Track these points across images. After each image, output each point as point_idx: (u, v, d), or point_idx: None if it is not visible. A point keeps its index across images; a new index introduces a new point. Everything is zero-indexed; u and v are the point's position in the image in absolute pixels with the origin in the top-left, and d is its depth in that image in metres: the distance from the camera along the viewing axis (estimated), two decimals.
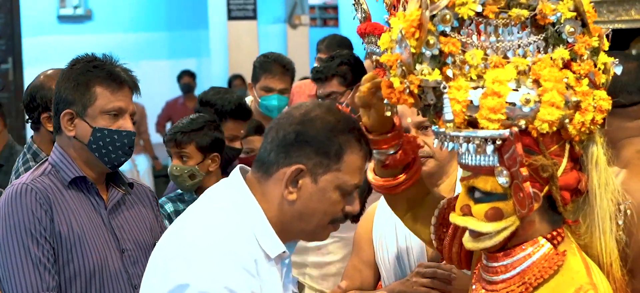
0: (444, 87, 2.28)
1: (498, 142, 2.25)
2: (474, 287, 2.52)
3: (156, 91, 10.87)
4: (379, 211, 3.29)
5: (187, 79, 11.48)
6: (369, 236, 3.29)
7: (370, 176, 2.70)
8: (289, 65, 5.71)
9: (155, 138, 11.17)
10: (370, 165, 2.69)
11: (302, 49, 11.78)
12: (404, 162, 2.62)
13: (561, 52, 2.33)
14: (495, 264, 2.41)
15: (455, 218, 2.43)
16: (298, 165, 2.34)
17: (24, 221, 2.87)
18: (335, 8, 13.34)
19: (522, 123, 2.27)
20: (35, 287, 2.84)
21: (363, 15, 3.64)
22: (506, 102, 2.26)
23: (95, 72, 3.02)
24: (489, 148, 2.27)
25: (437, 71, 2.30)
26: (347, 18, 13.54)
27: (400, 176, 2.65)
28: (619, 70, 2.42)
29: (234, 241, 2.29)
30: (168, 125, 11.40)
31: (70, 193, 3.00)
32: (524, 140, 2.28)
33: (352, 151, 2.37)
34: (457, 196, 2.60)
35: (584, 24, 2.38)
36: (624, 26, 6.57)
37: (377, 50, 3.54)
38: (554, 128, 2.28)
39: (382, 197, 3.20)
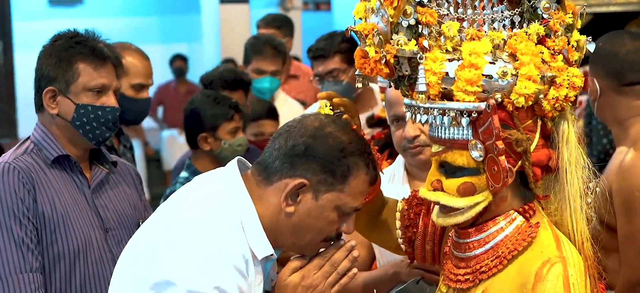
0: (421, 58, 2.25)
1: (474, 115, 2.24)
2: (444, 266, 2.48)
3: None
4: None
5: (179, 63, 11.43)
6: None
7: None
8: (281, 47, 5.68)
9: (147, 122, 11.10)
10: None
11: (294, 33, 11.71)
12: None
13: (536, 28, 2.33)
14: (468, 240, 2.38)
15: (425, 193, 2.38)
16: (302, 179, 2.29)
17: (7, 201, 2.81)
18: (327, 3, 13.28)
19: (498, 96, 2.25)
20: (19, 267, 2.79)
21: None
22: (483, 74, 2.24)
23: (78, 48, 2.95)
24: (464, 121, 2.25)
25: (413, 41, 2.27)
26: (339, 2, 13.48)
27: None
28: (591, 48, 2.40)
29: (225, 239, 2.24)
30: (160, 109, 11.35)
31: (53, 172, 2.94)
32: (499, 114, 2.25)
33: (358, 175, 2.33)
34: (414, 194, 2.61)
35: (559, 1, 2.37)
36: (619, 9, 6.54)
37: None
38: (530, 102, 2.27)
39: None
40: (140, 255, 2.30)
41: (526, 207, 2.35)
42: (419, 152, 3.00)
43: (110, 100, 2.98)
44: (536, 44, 2.31)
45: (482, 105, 2.22)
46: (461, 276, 2.38)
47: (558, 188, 2.39)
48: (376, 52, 2.25)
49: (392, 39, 2.26)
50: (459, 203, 2.31)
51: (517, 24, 2.37)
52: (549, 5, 2.34)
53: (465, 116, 2.24)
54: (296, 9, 11.85)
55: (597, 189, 2.43)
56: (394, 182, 3.18)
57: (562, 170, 2.37)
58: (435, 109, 2.26)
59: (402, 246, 2.67)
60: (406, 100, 2.34)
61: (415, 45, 2.27)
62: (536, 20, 2.35)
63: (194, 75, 10.76)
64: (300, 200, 2.30)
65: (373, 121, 4.08)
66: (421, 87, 2.23)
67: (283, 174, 2.30)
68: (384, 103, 3.98)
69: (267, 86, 5.45)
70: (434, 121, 2.28)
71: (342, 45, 4.88)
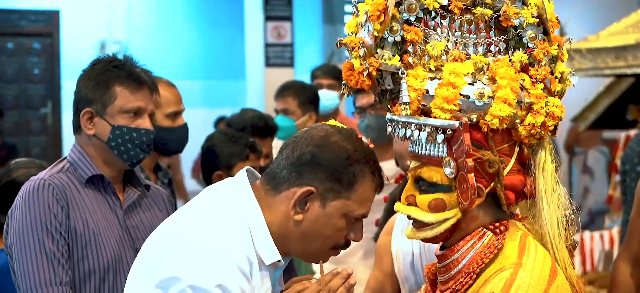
0: (403, 73, 2.33)
1: (449, 132, 2.30)
2: None
3: (191, 137, 10.91)
4: (398, 222, 3.30)
5: (223, 126, 11.54)
6: (388, 247, 3.31)
7: None
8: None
9: (190, 184, 11.19)
10: None
11: None
12: None
13: (520, 55, 2.41)
14: (445, 262, 2.42)
15: (400, 207, 2.44)
16: (309, 187, 2.34)
17: (40, 216, 2.89)
18: None
19: (474, 116, 2.32)
20: (49, 280, 2.85)
21: None
22: (460, 94, 2.31)
23: (116, 72, 3.05)
24: (440, 137, 2.31)
25: (397, 57, 2.36)
26: None
27: None
28: (574, 80, 2.46)
29: (231, 241, 2.28)
30: None
31: (87, 191, 3.02)
32: (474, 134, 2.32)
33: (365, 181, 2.37)
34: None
35: (546, 32, 2.44)
36: None
37: None
38: (504, 125, 2.33)
39: None
40: (150, 257, 2.35)
41: (497, 224, 2.39)
42: None
43: (145, 123, 3.06)
44: (519, 72, 2.38)
45: (456, 123, 2.29)
46: None
47: (536, 215, 2.44)
48: (360, 64, 2.34)
49: (376, 53, 2.34)
50: (429, 218, 2.36)
51: (502, 50, 2.43)
52: (534, 36, 2.41)
53: (440, 132, 2.31)
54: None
55: (572, 216, 2.46)
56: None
57: (539, 198, 2.41)
58: (413, 124, 2.33)
59: None
60: (388, 115, 2.41)
61: (399, 61, 2.35)
62: (521, 49, 2.41)
63: None
64: (308, 207, 2.35)
65: None
66: (405, 98, 2.32)
67: (291, 183, 2.35)
68: None
69: None
70: (411, 136, 2.34)
71: None
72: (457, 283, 2.36)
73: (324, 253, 2.42)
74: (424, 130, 2.31)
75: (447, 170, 2.32)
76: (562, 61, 2.45)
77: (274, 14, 11.80)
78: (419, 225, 2.39)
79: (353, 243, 4.76)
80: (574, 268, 2.43)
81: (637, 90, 7.47)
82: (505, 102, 2.30)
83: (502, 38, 2.43)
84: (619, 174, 6.49)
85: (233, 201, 2.37)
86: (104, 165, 3.06)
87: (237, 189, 2.40)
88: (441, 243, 2.44)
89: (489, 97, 2.31)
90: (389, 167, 4.92)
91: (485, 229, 2.38)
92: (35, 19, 11.96)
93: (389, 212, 3.79)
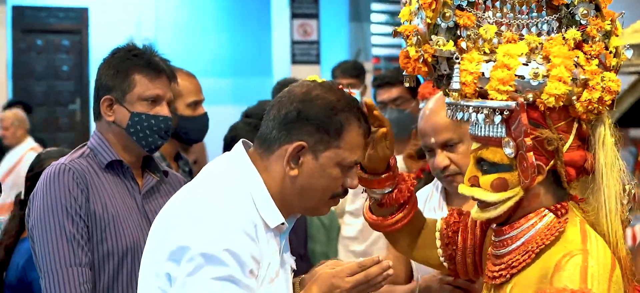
0: (457, 58, 2.37)
1: (506, 113, 2.34)
2: (486, 268, 2.56)
3: (219, 134, 10.96)
4: None
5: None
6: None
7: (367, 214, 2.78)
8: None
9: None
10: (366, 203, 2.78)
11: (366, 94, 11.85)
12: (399, 200, 2.71)
13: (573, 33, 2.41)
14: (503, 237, 2.46)
15: (463, 188, 2.48)
16: (300, 142, 2.40)
17: (61, 199, 2.96)
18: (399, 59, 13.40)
19: (530, 96, 2.34)
20: (69, 261, 2.92)
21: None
22: (515, 75, 2.34)
23: (135, 61, 3.12)
24: (497, 119, 2.35)
25: (451, 42, 2.39)
26: None
27: (397, 214, 2.74)
28: (629, 54, 2.46)
29: (234, 206, 2.34)
30: None
31: (107, 176, 3.09)
32: (531, 113, 2.35)
33: (351, 129, 2.43)
34: (451, 212, 2.74)
35: (598, 8, 2.45)
36: None
37: None
38: (560, 103, 2.35)
39: (418, 193, 3.25)
40: (158, 233, 2.42)
41: (558, 205, 2.43)
42: (452, 180, 3.09)
43: (163, 110, 3.13)
44: (573, 49, 2.39)
45: (513, 104, 2.32)
46: (496, 273, 2.46)
47: (595, 190, 2.46)
48: (416, 51, 2.37)
49: (431, 40, 2.38)
50: (492, 197, 2.40)
51: (555, 29, 2.45)
52: (586, 12, 2.43)
53: (497, 114, 2.35)
54: (367, 72, 11.99)
55: (633, 191, 2.49)
56: (430, 202, 3.27)
57: (598, 172, 2.43)
58: (471, 107, 2.37)
59: (445, 264, 2.77)
60: (447, 99, 2.45)
61: (454, 46, 2.38)
62: (574, 26, 2.43)
63: None
64: (301, 162, 2.41)
65: (422, 152, 4.15)
66: (455, 85, 2.36)
67: (281, 141, 2.41)
68: None
69: None
70: (469, 119, 2.39)
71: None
72: (514, 259, 2.42)
73: (324, 205, 2.49)
74: (482, 112, 2.36)
75: (508, 150, 2.36)
76: (616, 36, 2.46)
77: (301, 11, 11.89)
78: (483, 205, 2.44)
79: (375, 234, 4.84)
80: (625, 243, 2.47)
81: None
82: (560, 81, 2.32)
83: (554, 17, 2.46)
84: None
85: (233, 171, 2.43)
86: (123, 151, 3.12)
87: (235, 159, 2.47)
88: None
89: (544, 76, 2.33)
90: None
91: (546, 210, 2.43)
92: (64, 16, 12.09)
93: None
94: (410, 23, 2.42)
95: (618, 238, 2.43)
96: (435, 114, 3.05)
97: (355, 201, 5.08)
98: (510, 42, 2.40)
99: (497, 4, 2.44)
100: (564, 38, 2.42)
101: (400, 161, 4.97)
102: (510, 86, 2.33)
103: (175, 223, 2.36)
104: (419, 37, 2.36)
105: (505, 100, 2.33)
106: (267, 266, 2.39)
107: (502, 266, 2.44)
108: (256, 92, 12.95)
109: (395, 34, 2.45)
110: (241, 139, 2.53)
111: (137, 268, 3.00)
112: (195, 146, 5.41)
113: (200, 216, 2.32)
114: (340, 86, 2.48)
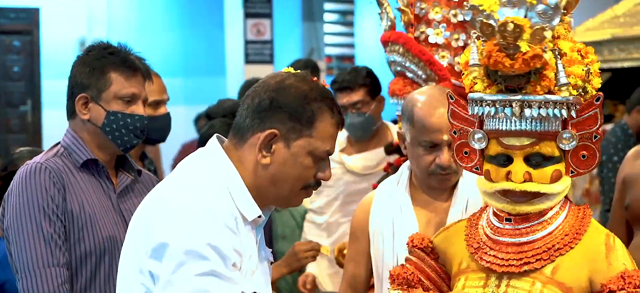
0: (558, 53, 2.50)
1: (576, 106, 2.50)
2: (486, 257, 2.65)
3: (172, 134, 10.91)
4: (376, 201, 3.32)
5: (203, 123, 11.57)
6: (366, 226, 3.31)
7: None
8: None
9: None
10: None
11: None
12: None
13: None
14: (531, 224, 2.62)
15: (517, 186, 2.56)
16: (272, 130, 2.42)
17: (38, 198, 2.93)
18: (351, 58, 13.46)
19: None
20: (46, 262, 2.90)
21: (388, 23, 3.76)
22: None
23: (111, 59, 3.11)
24: (564, 112, 2.48)
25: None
26: (362, 57, 13.63)
27: None
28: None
29: (213, 200, 2.35)
30: None
31: (82, 175, 3.07)
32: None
33: (324, 118, 2.45)
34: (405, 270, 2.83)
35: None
36: (636, 64, 6.66)
37: (399, 58, 3.66)
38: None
39: (379, 189, 3.31)
40: (137, 231, 2.42)
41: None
42: (447, 179, 3.13)
43: (139, 109, 3.12)
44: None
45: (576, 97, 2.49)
46: (526, 258, 2.58)
47: None
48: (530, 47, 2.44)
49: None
50: (556, 188, 2.56)
51: None
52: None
53: (564, 108, 2.48)
54: (320, 71, 12.03)
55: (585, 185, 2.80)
56: (393, 201, 3.27)
57: None
58: (537, 103, 2.48)
59: None
60: (518, 95, 2.51)
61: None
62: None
63: None
64: (274, 150, 2.43)
65: (391, 149, 4.20)
66: (562, 80, 2.47)
67: (255, 129, 2.44)
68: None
69: None
70: (532, 115, 2.49)
71: (367, 79, 5.00)
72: (554, 243, 2.58)
73: (297, 195, 2.50)
74: (556, 107, 2.47)
75: (573, 143, 2.53)
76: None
77: (254, 11, 11.88)
78: (529, 197, 2.57)
79: (340, 230, 4.83)
80: None
81: (613, 85, 7.57)
82: (597, 76, 2.57)
83: None
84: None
85: (208, 166, 2.45)
86: (98, 150, 3.11)
87: (210, 154, 2.48)
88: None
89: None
90: (371, 157, 5.03)
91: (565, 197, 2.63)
92: (15, 17, 11.94)
93: None
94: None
95: None
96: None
97: (315, 200, 5.10)
98: (560, 37, 2.52)
99: None
100: None
101: (357, 159, 5.02)
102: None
103: (154, 220, 2.36)
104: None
105: (574, 95, 2.48)
106: (248, 258, 2.41)
107: (537, 251, 2.57)
108: (209, 92, 12.96)
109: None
110: (215, 134, 2.54)
111: (115, 268, 3.00)
112: (149, 147, 5.39)
113: (180, 212, 2.32)
114: (315, 78, 2.50)
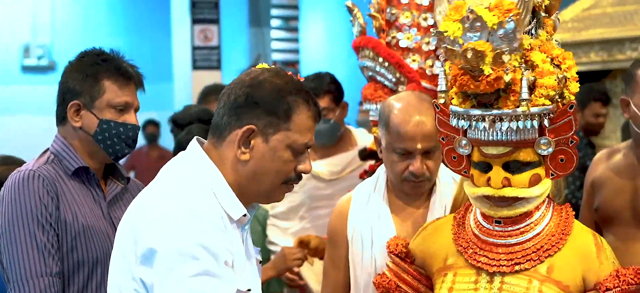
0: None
1: (551, 115, 2.58)
2: (478, 257, 2.75)
3: None
4: (353, 206, 3.34)
5: (151, 129, 11.49)
6: (343, 231, 3.33)
7: None
8: None
9: None
10: None
11: None
12: None
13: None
14: (519, 226, 2.72)
15: (497, 191, 2.66)
16: (249, 126, 2.43)
17: (31, 206, 2.90)
18: (295, 63, 13.52)
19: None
20: (39, 271, 2.87)
21: (359, 29, 3.81)
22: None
23: (104, 66, 3.08)
24: (536, 123, 2.57)
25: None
26: (307, 64, 13.68)
27: None
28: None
29: (198, 201, 2.35)
30: (132, 174, 11.39)
31: (73, 183, 3.04)
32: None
33: (300, 111, 2.46)
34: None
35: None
36: (584, 69, 6.77)
37: (370, 63, 3.71)
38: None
39: (355, 191, 3.34)
40: (125, 239, 2.41)
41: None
42: (419, 186, 3.17)
43: (131, 118, 3.10)
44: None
45: (552, 107, 2.56)
46: (515, 259, 2.69)
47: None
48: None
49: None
50: (535, 192, 2.65)
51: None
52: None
53: (538, 117, 2.57)
54: None
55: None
56: (370, 207, 3.30)
57: None
58: (511, 115, 2.57)
59: None
60: (495, 110, 2.60)
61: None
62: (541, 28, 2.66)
63: (165, 141, 10.84)
64: (252, 145, 2.44)
65: (365, 154, 4.23)
66: (524, 95, 2.53)
67: (232, 126, 2.44)
68: (371, 139, 4.15)
69: None
70: (517, 127, 2.57)
71: (331, 85, 4.99)
72: (544, 243, 2.68)
73: (278, 190, 2.50)
74: (534, 119, 2.56)
75: (550, 149, 2.61)
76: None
77: (201, 17, 11.84)
78: (510, 201, 2.66)
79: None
80: None
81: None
82: (574, 81, 2.64)
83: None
84: None
85: (191, 168, 2.45)
86: (88, 157, 3.08)
87: (192, 157, 2.49)
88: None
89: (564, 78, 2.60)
90: (337, 163, 5.06)
91: (548, 197, 2.73)
92: None
93: None
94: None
95: None
96: (426, 120, 3.08)
97: (277, 206, 5.10)
98: (532, 49, 2.59)
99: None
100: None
101: (322, 165, 5.05)
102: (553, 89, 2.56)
103: (140, 227, 2.35)
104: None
105: (550, 104, 2.55)
106: (238, 256, 2.42)
107: (527, 252, 2.68)
108: (156, 98, 12.89)
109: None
110: (195, 137, 2.54)
111: (107, 277, 3.00)
112: None
113: (165, 215, 2.32)
114: (289, 72, 2.52)
